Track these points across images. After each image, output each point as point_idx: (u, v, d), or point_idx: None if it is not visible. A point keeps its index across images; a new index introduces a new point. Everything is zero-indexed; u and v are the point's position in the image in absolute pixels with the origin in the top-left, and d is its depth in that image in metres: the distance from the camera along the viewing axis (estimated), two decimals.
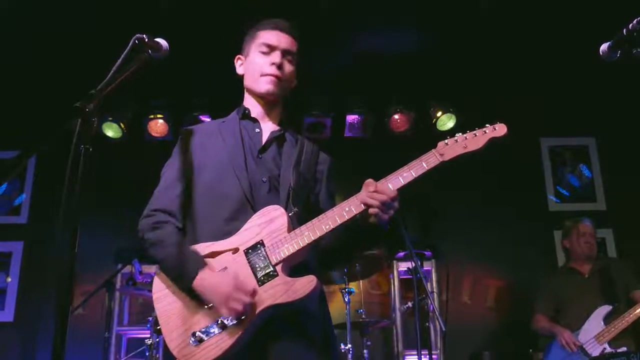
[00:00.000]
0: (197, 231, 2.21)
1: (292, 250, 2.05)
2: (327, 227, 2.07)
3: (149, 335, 4.62)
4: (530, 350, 5.02)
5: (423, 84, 6.09)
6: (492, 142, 2.15)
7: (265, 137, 2.36)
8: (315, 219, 2.09)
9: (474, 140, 2.15)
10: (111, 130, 6.01)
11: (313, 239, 2.06)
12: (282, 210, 2.13)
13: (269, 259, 2.06)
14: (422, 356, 4.27)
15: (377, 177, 2.13)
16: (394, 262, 5.78)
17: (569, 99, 6.29)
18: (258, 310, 1.99)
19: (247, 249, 2.09)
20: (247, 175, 2.21)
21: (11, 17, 5.15)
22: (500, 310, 6.02)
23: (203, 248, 2.12)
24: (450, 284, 4.92)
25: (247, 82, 2.43)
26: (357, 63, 5.87)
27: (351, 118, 6.20)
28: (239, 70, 2.48)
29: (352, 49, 5.79)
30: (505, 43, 5.69)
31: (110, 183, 5.69)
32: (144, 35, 1.98)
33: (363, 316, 4.98)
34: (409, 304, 4.94)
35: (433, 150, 2.13)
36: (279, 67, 2.33)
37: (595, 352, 4.54)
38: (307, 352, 2.05)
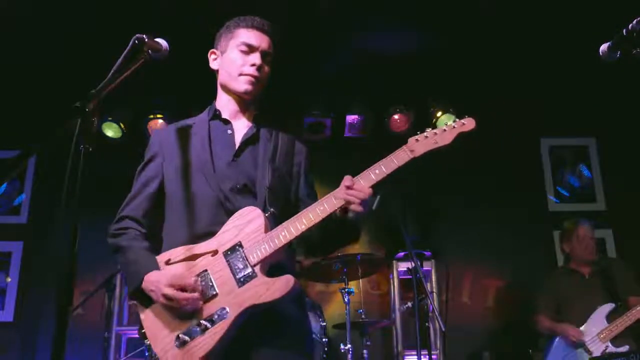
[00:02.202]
0: (174, 235, 2.24)
1: (269, 251, 2.08)
2: (302, 226, 2.10)
3: None
4: (530, 350, 5.01)
5: (423, 84, 6.09)
6: (461, 136, 2.20)
7: (238, 138, 2.36)
8: (292, 218, 2.12)
9: (443, 135, 2.18)
10: (111, 130, 6.01)
11: (289, 238, 2.09)
12: (259, 211, 2.15)
13: (247, 260, 2.09)
14: (422, 356, 4.27)
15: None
16: (394, 262, 5.77)
17: (569, 99, 6.29)
18: (240, 310, 2.02)
19: (226, 251, 2.12)
20: (218, 180, 2.23)
21: (11, 17, 5.14)
22: (500, 310, 6.01)
23: (182, 251, 2.16)
24: (450, 284, 4.93)
25: (223, 79, 2.42)
26: (357, 63, 5.87)
27: (351, 118, 6.20)
28: (213, 65, 2.47)
29: (352, 49, 5.79)
30: (506, 43, 5.69)
31: (110, 183, 5.67)
32: (144, 35, 1.98)
33: (363, 316, 4.97)
34: (409, 304, 4.94)
35: (404, 147, 2.17)
36: (258, 68, 2.34)
37: (598, 350, 4.54)
38: (285, 353, 2.09)
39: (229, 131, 2.37)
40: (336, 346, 4.64)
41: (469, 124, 2.22)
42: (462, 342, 5.59)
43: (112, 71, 1.85)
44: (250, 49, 2.35)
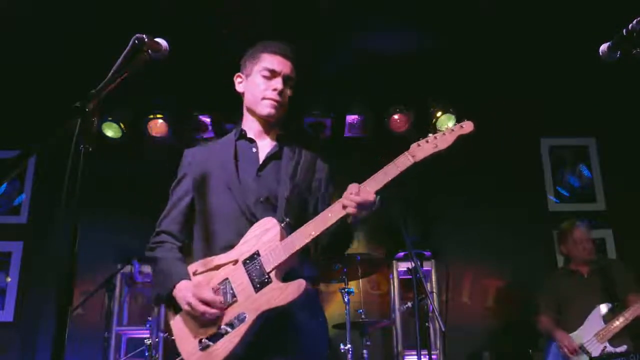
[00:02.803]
0: (202, 248, 2.41)
1: (283, 258, 2.22)
2: (312, 234, 2.23)
3: (148, 335, 4.62)
4: (530, 350, 5.02)
5: (423, 84, 6.09)
6: (461, 139, 2.28)
7: (262, 156, 2.52)
8: (303, 226, 2.26)
9: (443, 138, 2.26)
10: (111, 130, 6.00)
11: (300, 246, 2.22)
12: (275, 221, 2.30)
13: (263, 268, 2.24)
14: (422, 356, 4.27)
15: None
16: (394, 262, 5.78)
17: (569, 99, 6.29)
18: (256, 314, 2.18)
19: (245, 260, 2.28)
20: (244, 195, 2.39)
21: (11, 17, 5.14)
22: (500, 310, 6.01)
23: (208, 262, 2.34)
24: (450, 284, 4.93)
25: (248, 103, 2.58)
26: (357, 63, 5.87)
27: (351, 118, 6.20)
28: (239, 88, 2.63)
29: (352, 49, 5.79)
30: (505, 43, 5.69)
31: (110, 183, 5.69)
32: (144, 35, 1.98)
33: (363, 316, 4.97)
34: (409, 304, 4.94)
35: (406, 153, 2.26)
36: (280, 92, 2.49)
37: (596, 351, 4.55)
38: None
39: (254, 149, 2.53)
40: (336, 346, 4.63)
41: (467, 127, 2.29)
42: (462, 342, 5.59)
43: (112, 71, 1.85)
44: (273, 74, 2.50)
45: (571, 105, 6.34)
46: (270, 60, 2.52)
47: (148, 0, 5.11)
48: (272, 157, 2.52)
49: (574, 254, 5.05)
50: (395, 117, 6.12)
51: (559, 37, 5.56)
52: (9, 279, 5.97)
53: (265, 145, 2.56)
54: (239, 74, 2.64)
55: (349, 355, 4.53)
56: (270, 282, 2.21)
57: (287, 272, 2.26)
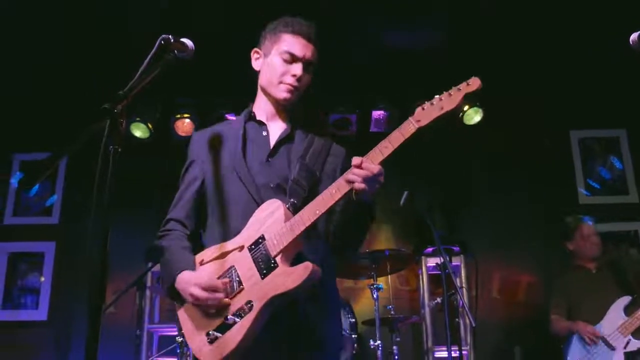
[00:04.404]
0: (212, 235, 2.30)
1: (289, 240, 2.08)
2: (318, 212, 2.08)
3: (179, 333, 4.66)
4: (562, 346, 4.96)
5: (449, 78, 6.02)
6: (468, 96, 2.12)
7: (273, 140, 2.39)
8: (307, 205, 2.11)
9: (449, 99, 2.10)
10: (139, 131, 6.07)
11: (305, 226, 2.07)
12: (279, 202, 2.16)
13: (269, 252, 2.11)
14: (452, 352, 4.25)
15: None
16: (423, 257, 5.75)
17: (599, 91, 6.19)
18: (264, 301, 2.04)
19: (250, 245, 2.16)
20: (253, 180, 2.26)
21: (41, 18, 5.22)
22: (530, 306, 5.94)
23: (214, 250, 2.23)
24: (480, 279, 4.89)
25: (263, 83, 2.43)
26: (382, 59, 5.85)
27: (377, 114, 6.19)
28: (255, 65, 2.47)
29: (377, 45, 5.77)
30: (535, 36, 5.62)
31: (140, 182, 5.75)
32: (170, 36, 1.99)
33: (392, 312, 4.96)
34: (438, 299, 4.91)
35: (410, 118, 2.11)
36: (299, 78, 2.35)
37: (620, 344, 4.53)
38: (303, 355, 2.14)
39: (264, 132, 2.40)
40: (366, 342, 4.63)
41: (474, 83, 2.11)
42: (493, 338, 5.56)
43: (139, 72, 1.87)
44: (293, 58, 2.35)
45: (601, 97, 6.24)
46: (292, 43, 2.35)
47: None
48: (284, 140, 2.39)
49: (582, 251, 5.05)
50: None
51: (588, 28, 5.47)
52: (42, 279, 6.07)
53: (276, 129, 2.42)
54: (256, 49, 2.48)
55: (379, 352, 4.52)
56: (277, 267, 2.08)
57: (296, 256, 2.12)
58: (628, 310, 4.62)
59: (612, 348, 4.53)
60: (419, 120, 2.09)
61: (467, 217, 6.13)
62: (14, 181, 6.34)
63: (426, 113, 2.10)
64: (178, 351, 4.55)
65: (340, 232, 2.28)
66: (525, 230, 5.99)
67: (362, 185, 2.02)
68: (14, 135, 6.31)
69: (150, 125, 6.04)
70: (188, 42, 2.06)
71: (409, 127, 2.09)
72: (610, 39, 4.00)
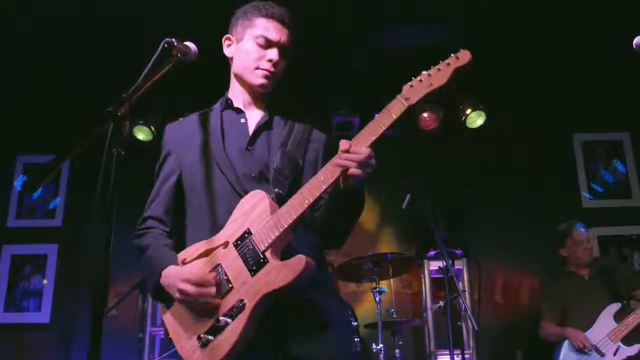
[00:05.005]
0: (194, 231, 2.19)
1: (277, 233, 1.95)
2: (307, 201, 1.95)
3: None
4: (554, 349, 4.96)
5: (452, 81, 6.03)
6: (458, 72, 2.03)
7: (252, 127, 2.28)
8: (294, 195, 1.98)
9: (438, 75, 2.00)
10: (142, 134, 6.08)
11: (295, 217, 1.95)
12: (263, 194, 2.04)
13: (257, 247, 1.98)
14: (455, 355, 4.24)
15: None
16: (425, 261, 5.74)
17: (602, 94, 6.19)
18: (255, 300, 1.91)
19: (236, 241, 2.03)
20: (235, 171, 2.15)
21: (45, 20, 5.23)
22: (533, 309, 5.92)
23: (197, 248, 2.10)
24: (482, 282, 4.88)
25: (237, 70, 2.33)
26: (385, 61, 5.85)
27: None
28: (227, 51, 2.37)
29: (380, 47, 5.77)
30: (537, 38, 5.62)
31: (142, 185, 5.74)
32: (173, 39, 2.00)
33: (394, 316, 4.96)
34: (441, 303, 4.92)
35: (398, 96, 1.98)
36: (275, 64, 2.25)
37: (610, 351, 4.56)
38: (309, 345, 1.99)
39: (242, 120, 2.30)
40: (368, 346, 4.63)
41: (463, 56, 2.04)
42: (495, 342, 5.55)
43: (142, 75, 1.88)
44: (268, 43, 2.25)
45: (604, 100, 6.24)
46: (266, 27, 2.25)
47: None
48: (263, 127, 2.27)
49: (574, 256, 5.09)
50: (424, 115, 6.08)
51: (590, 31, 5.47)
52: (45, 281, 6.08)
53: (254, 116, 2.31)
54: (228, 35, 2.37)
55: (381, 355, 4.52)
56: (267, 262, 1.94)
57: (287, 249, 1.99)
58: (618, 316, 4.67)
59: (602, 354, 4.57)
60: (407, 99, 1.97)
61: (469, 220, 6.12)
62: (17, 184, 6.35)
63: (415, 90, 1.99)
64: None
65: (330, 220, 2.15)
66: (528, 234, 5.98)
67: (357, 171, 1.90)
68: (18, 137, 6.33)
69: (153, 128, 6.04)
70: (191, 45, 2.06)
71: (398, 106, 1.97)
72: (614, 42, 4.00)
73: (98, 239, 1.59)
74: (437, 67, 2.01)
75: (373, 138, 1.95)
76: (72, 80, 5.93)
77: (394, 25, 5.50)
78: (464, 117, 5.96)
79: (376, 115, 1.99)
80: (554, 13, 5.36)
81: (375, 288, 4.75)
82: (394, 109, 1.96)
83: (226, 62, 2.44)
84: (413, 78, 2.01)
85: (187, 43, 2.05)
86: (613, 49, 4.38)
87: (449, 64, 2.02)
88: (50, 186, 6.34)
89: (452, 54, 2.06)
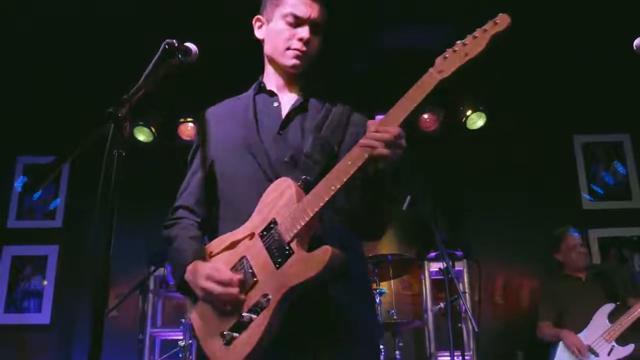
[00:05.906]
0: (225, 220, 2.10)
1: (302, 223, 1.81)
2: (334, 188, 1.80)
3: (182, 337, 4.66)
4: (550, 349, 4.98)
5: (454, 82, 6.03)
6: (497, 38, 1.88)
7: (285, 110, 2.17)
8: (320, 182, 1.84)
9: (475, 42, 1.86)
10: (142, 135, 6.08)
11: (321, 205, 1.80)
12: (290, 181, 1.91)
13: (282, 238, 1.85)
14: (455, 357, 4.24)
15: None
16: (425, 262, 5.74)
17: (603, 95, 6.18)
18: (280, 295, 1.79)
19: (262, 232, 1.91)
20: (267, 155, 2.04)
21: (45, 20, 5.23)
22: (533, 311, 5.92)
23: (223, 240, 2.02)
24: (483, 284, 4.88)
25: (269, 52, 2.24)
26: (386, 61, 5.85)
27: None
28: (258, 34, 2.29)
29: (382, 47, 5.77)
30: (537, 40, 5.61)
31: (143, 186, 5.75)
32: (174, 40, 2.00)
33: (394, 317, 4.96)
34: (441, 304, 4.92)
35: (430, 70, 1.85)
36: (307, 42, 2.14)
37: (604, 351, 4.59)
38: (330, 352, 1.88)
39: (275, 103, 2.20)
40: None
41: (502, 21, 1.89)
42: (496, 343, 5.54)
43: (143, 76, 1.88)
44: (299, 21, 2.14)
45: (604, 101, 6.23)
46: (294, 4, 2.15)
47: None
48: (297, 110, 2.16)
49: (569, 261, 5.13)
50: (425, 116, 6.08)
51: (590, 33, 5.47)
52: (45, 282, 6.08)
53: (288, 99, 2.21)
54: (258, 16, 2.28)
55: (382, 357, 4.52)
56: (292, 254, 1.81)
57: (315, 240, 1.85)
58: (612, 317, 4.70)
59: (596, 354, 4.60)
60: (441, 71, 1.83)
61: (470, 221, 6.11)
62: (17, 184, 6.35)
63: (449, 62, 1.84)
64: (180, 355, 4.55)
65: (361, 210, 2.00)
66: (528, 235, 5.97)
67: (384, 151, 1.77)
68: (18, 138, 6.33)
69: (154, 129, 6.05)
70: (192, 47, 2.06)
71: (430, 80, 1.83)
72: (614, 43, 4.00)
73: (98, 240, 1.59)
74: (472, 34, 1.86)
75: (404, 115, 1.82)
76: (72, 80, 5.93)
77: (394, 25, 5.50)
78: (464, 119, 5.97)
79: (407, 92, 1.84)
80: (554, 14, 5.36)
81: (375, 289, 4.75)
82: (426, 83, 1.83)
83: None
84: (447, 50, 1.87)
85: (188, 44, 2.05)
86: (613, 50, 4.38)
87: (485, 30, 1.87)
88: (50, 187, 6.34)
89: (490, 20, 1.90)
